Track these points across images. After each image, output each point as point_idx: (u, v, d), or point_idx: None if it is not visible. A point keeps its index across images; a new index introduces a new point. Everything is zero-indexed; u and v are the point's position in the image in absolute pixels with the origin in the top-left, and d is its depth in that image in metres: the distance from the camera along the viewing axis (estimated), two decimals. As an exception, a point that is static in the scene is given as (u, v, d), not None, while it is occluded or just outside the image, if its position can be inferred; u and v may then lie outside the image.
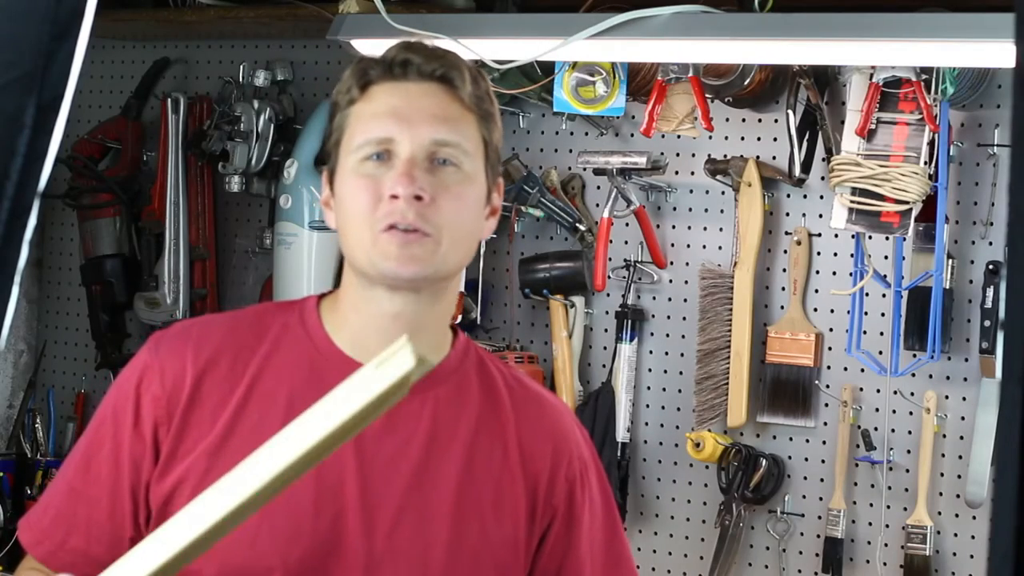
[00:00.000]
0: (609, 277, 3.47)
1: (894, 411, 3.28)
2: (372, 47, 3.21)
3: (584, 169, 3.52)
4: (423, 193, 1.92)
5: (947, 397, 3.24)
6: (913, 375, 3.25)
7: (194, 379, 1.98)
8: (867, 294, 3.29)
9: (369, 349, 1.98)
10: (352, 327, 2.01)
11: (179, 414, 1.98)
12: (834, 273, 3.35)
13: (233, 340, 2.02)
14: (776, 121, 3.37)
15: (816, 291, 3.38)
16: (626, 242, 3.53)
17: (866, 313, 3.29)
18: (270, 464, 1.47)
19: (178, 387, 1.98)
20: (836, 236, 3.32)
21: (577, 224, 3.55)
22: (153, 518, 1.98)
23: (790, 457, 3.38)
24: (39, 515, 2.05)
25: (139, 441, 1.98)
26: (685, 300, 3.49)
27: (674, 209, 3.50)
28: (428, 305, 1.99)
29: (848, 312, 3.30)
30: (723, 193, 3.44)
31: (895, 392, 3.27)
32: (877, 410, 3.30)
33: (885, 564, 3.28)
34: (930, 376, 3.25)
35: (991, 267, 3.16)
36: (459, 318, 3.43)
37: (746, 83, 3.28)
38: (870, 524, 3.30)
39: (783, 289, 3.39)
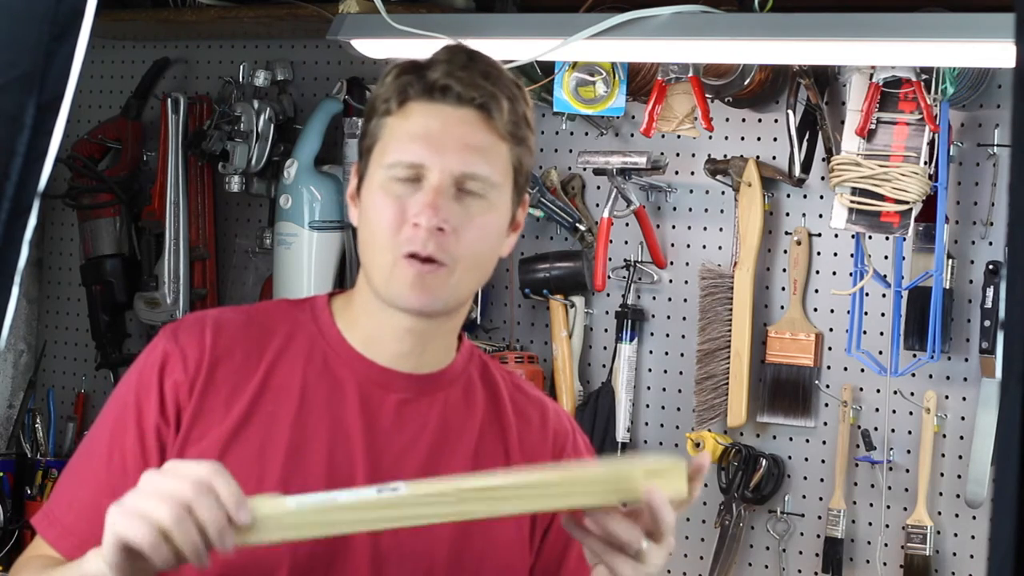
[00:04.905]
0: (609, 277, 3.47)
1: (894, 411, 3.28)
2: (372, 47, 3.22)
3: (584, 169, 3.52)
4: (445, 225, 1.94)
5: (947, 397, 3.24)
6: (913, 375, 3.24)
7: (210, 366, 2.01)
8: (867, 294, 3.29)
9: (381, 349, 2.04)
10: (365, 329, 2.05)
11: (196, 399, 2.00)
12: (834, 273, 3.35)
13: (247, 333, 2.05)
14: (776, 121, 3.37)
15: (816, 291, 3.37)
16: (626, 242, 3.52)
17: (866, 313, 3.29)
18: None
19: (197, 372, 2.01)
20: (836, 236, 3.32)
21: (577, 224, 3.54)
22: None
23: (790, 457, 3.38)
24: (61, 510, 2.03)
25: (166, 425, 2.00)
26: (685, 300, 3.48)
27: (674, 209, 3.50)
28: (441, 322, 2.04)
29: (848, 312, 3.30)
30: (723, 193, 3.43)
31: (895, 392, 3.27)
32: (877, 410, 3.30)
33: (885, 564, 3.28)
34: (930, 376, 3.25)
35: (991, 267, 3.16)
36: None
37: (746, 83, 3.28)
38: (870, 524, 3.30)
39: (783, 289, 3.39)
